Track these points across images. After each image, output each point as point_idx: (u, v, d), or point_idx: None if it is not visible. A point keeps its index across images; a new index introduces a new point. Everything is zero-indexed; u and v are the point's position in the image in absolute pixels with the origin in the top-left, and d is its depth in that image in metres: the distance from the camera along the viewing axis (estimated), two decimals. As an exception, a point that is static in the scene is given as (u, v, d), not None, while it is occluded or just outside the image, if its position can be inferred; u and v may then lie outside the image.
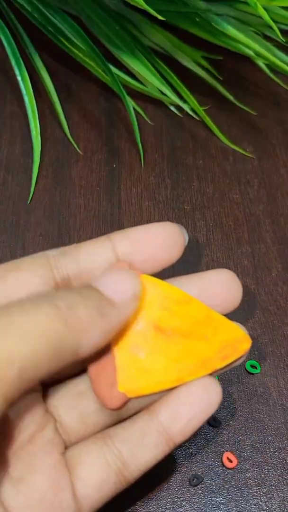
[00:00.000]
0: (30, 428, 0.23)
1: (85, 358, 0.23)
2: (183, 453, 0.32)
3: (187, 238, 0.26)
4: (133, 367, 0.24)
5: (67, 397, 0.25)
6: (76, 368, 0.26)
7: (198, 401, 0.24)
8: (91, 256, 0.25)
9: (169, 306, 0.25)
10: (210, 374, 0.25)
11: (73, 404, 0.25)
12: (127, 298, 0.23)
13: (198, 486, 0.31)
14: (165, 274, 0.27)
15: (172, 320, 0.25)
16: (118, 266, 0.25)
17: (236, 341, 0.26)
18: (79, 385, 0.26)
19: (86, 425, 0.25)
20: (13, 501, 0.22)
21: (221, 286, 0.26)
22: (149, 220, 0.41)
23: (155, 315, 0.25)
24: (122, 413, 0.25)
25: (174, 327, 0.25)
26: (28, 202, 0.41)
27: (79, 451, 0.24)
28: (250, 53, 0.44)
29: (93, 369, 0.25)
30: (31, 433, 0.23)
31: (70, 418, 0.25)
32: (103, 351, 0.24)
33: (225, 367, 0.25)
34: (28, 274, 0.24)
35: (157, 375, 0.25)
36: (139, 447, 0.24)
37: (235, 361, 0.26)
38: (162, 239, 0.25)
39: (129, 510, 0.30)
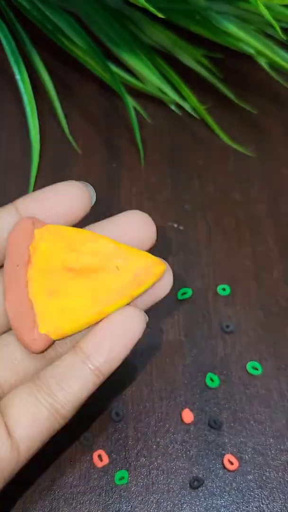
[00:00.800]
0: None
1: None
2: (184, 455, 0.31)
3: (93, 195, 0.28)
4: (52, 310, 0.26)
5: None
6: None
7: (120, 329, 0.26)
8: None
9: (76, 247, 0.27)
10: (134, 305, 0.27)
11: (0, 355, 0.26)
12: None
13: (199, 488, 0.31)
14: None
15: (81, 259, 0.26)
16: (21, 221, 0.27)
17: (149, 266, 0.27)
18: (5, 339, 0.27)
19: (16, 372, 0.26)
20: None
21: (132, 226, 0.28)
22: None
23: (64, 258, 0.26)
24: (53, 359, 0.26)
25: (83, 265, 0.26)
26: (27, 201, 0.41)
27: (9, 396, 0.25)
28: (251, 51, 0.44)
29: (12, 316, 0.26)
30: None
31: (0, 368, 0.26)
32: (19, 298, 0.26)
33: (143, 293, 0.27)
34: None
35: (77, 313, 0.26)
36: (66, 379, 0.25)
37: (152, 285, 0.27)
38: (66, 197, 0.27)
39: (129, 513, 0.30)
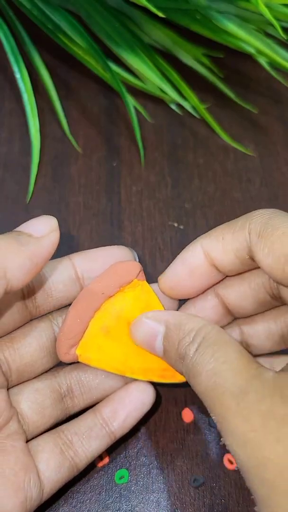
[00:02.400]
0: None
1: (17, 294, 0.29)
2: (184, 455, 0.31)
3: (137, 258, 0.31)
4: (95, 342, 0.30)
5: (27, 393, 0.30)
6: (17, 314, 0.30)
7: (135, 401, 0.30)
8: (55, 273, 0.30)
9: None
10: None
11: (33, 399, 0.29)
12: (44, 231, 0.27)
13: (199, 487, 0.31)
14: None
15: None
16: (133, 263, 0.31)
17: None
18: (36, 383, 0.30)
19: (43, 416, 0.29)
20: None
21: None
22: (149, 219, 0.40)
23: (134, 316, 0.29)
24: (70, 409, 0.30)
25: None
26: (27, 200, 0.41)
27: (38, 442, 0.29)
28: (251, 50, 0.44)
29: (67, 324, 0.29)
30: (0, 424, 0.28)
31: (31, 410, 0.29)
32: (83, 315, 0.29)
33: (160, 383, 0.30)
34: None
35: (108, 358, 0.30)
36: (86, 438, 0.29)
37: (168, 383, 0.30)
38: (115, 259, 0.30)
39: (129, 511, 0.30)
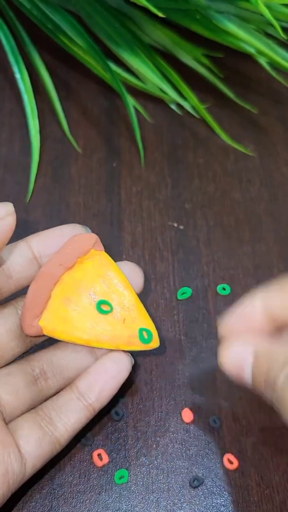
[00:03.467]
0: None
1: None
2: (184, 455, 0.32)
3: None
4: (58, 313, 0.30)
5: (0, 377, 0.30)
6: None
7: (109, 372, 0.30)
8: (12, 256, 0.31)
9: (108, 284, 0.31)
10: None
11: (5, 381, 0.30)
12: (1, 215, 0.28)
13: (199, 487, 0.31)
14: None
15: (105, 296, 0.31)
16: (88, 235, 0.32)
17: (145, 337, 0.31)
18: (8, 368, 0.31)
19: (17, 397, 0.30)
20: None
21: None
22: (149, 219, 0.41)
23: (94, 284, 0.31)
24: (45, 390, 0.31)
25: (102, 300, 0.31)
26: (27, 201, 0.41)
27: (17, 421, 0.29)
28: (251, 50, 0.44)
29: (29, 298, 0.30)
30: None
31: (4, 392, 0.30)
32: (44, 287, 0.30)
33: (128, 350, 0.31)
34: None
35: (72, 329, 0.30)
36: (64, 412, 0.30)
37: (138, 350, 0.31)
38: (69, 236, 0.31)
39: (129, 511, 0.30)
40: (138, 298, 0.32)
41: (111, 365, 0.31)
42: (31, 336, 0.31)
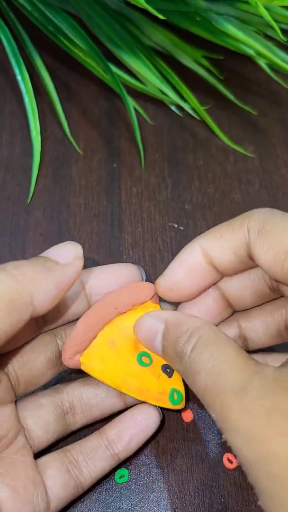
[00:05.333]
0: (8, 435, 0.28)
1: (46, 319, 0.30)
2: (184, 455, 0.32)
3: (144, 276, 0.32)
4: (100, 353, 0.30)
5: (32, 408, 0.30)
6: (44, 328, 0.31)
7: (139, 424, 0.30)
8: None
9: None
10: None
11: (38, 414, 0.30)
12: (69, 258, 0.28)
13: (199, 487, 0.31)
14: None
15: (143, 351, 0.30)
16: (149, 285, 0.31)
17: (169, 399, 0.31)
18: (40, 399, 0.30)
19: (47, 432, 0.30)
20: (1, 493, 0.27)
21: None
22: (149, 220, 0.41)
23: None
24: (71, 425, 0.31)
25: (146, 354, 0.30)
26: (28, 202, 0.41)
27: (46, 459, 0.29)
28: (251, 52, 0.44)
29: (77, 330, 0.30)
30: (9, 439, 0.28)
31: (36, 426, 0.29)
32: (93, 325, 0.30)
33: (155, 405, 0.31)
34: None
35: (108, 371, 0.30)
36: (91, 459, 0.30)
37: (164, 407, 0.31)
38: (123, 278, 0.31)
39: (130, 511, 0.30)
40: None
41: (141, 418, 0.31)
42: (67, 366, 0.31)
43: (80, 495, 0.30)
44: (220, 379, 0.24)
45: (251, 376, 0.24)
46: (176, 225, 0.41)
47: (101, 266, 0.32)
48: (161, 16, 0.38)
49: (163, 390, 0.30)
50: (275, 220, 0.27)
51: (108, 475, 0.31)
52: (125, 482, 0.31)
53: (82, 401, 0.31)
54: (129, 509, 0.30)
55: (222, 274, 0.30)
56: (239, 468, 0.31)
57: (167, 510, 0.30)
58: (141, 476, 0.31)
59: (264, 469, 0.22)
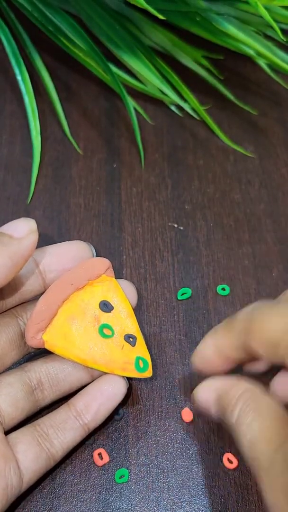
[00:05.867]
0: None
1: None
2: (184, 454, 0.32)
3: (94, 252, 0.33)
4: (61, 330, 0.31)
5: (1, 387, 0.30)
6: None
7: (106, 393, 0.31)
8: None
9: (114, 312, 0.32)
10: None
11: (6, 392, 0.30)
12: (23, 232, 0.29)
13: (199, 487, 0.31)
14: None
15: (108, 321, 0.32)
16: (101, 260, 0.32)
17: (140, 367, 0.32)
18: (8, 378, 0.31)
19: (16, 408, 0.30)
20: None
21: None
22: (149, 220, 0.41)
23: (100, 309, 0.32)
24: (40, 401, 0.31)
25: (107, 326, 0.31)
26: (28, 202, 0.41)
27: (16, 435, 0.30)
28: (251, 52, 0.44)
29: (37, 310, 0.31)
30: None
31: (6, 403, 0.30)
32: (52, 303, 0.31)
33: (122, 376, 0.31)
34: None
35: (72, 347, 0.31)
36: (61, 430, 0.31)
37: (133, 378, 0.32)
38: (74, 253, 0.32)
39: (130, 511, 0.30)
40: (138, 327, 0.32)
41: (107, 387, 0.31)
42: (32, 348, 0.32)
43: (80, 495, 0.30)
44: (254, 454, 0.25)
45: (277, 450, 0.24)
46: (176, 225, 0.41)
47: (53, 244, 0.33)
48: (161, 16, 0.38)
49: (128, 360, 0.31)
50: (258, 317, 0.28)
51: (108, 475, 0.31)
52: (125, 482, 0.31)
53: (49, 376, 0.32)
54: (129, 509, 0.30)
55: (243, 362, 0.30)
56: (239, 468, 0.31)
57: (167, 510, 0.30)
58: (141, 476, 0.31)
59: None
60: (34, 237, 0.29)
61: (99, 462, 0.31)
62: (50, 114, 0.46)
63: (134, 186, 0.42)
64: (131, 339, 0.32)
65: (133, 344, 0.32)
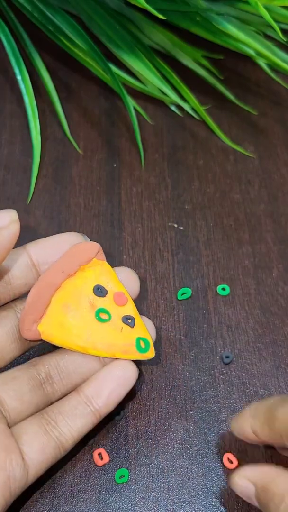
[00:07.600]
0: None
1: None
2: (184, 454, 0.32)
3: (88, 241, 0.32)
4: (57, 319, 0.30)
5: (4, 381, 0.30)
6: None
7: (117, 379, 0.30)
8: (11, 262, 0.31)
9: (110, 296, 0.31)
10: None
11: (10, 386, 0.30)
12: (5, 222, 0.28)
13: (199, 487, 0.31)
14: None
15: (105, 306, 0.31)
16: (91, 244, 0.31)
17: (141, 347, 0.31)
18: (14, 372, 0.30)
19: (22, 402, 0.30)
20: None
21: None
22: (149, 220, 0.41)
23: (94, 293, 0.31)
24: (50, 395, 0.31)
25: (103, 310, 0.31)
26: (28, 201, 0.41)
27: (21, 425, 0.29)
28: (251, 52, 0.44)
29: (29, 302, 0.30)
30: None
31: (9, 397, 0.29)
32: (44, 292, 0.30)
33: (124, 359, 0.31)
34: None
35: (70, 335, 0.30)
36: (71, 417, 0.30)
37: (134, 360, 0.31)
38: (67, 244, 0.31)
39: (130, 511, 0.30)
40: (135, 308, 0.32)
41: (119, 372, 0.31)
42: (29, 340, 0.31)
43: (80, 495, 0.30)
44: None
45: None
46: (176, 225, 0.41)
47: (46, 237, 0.32)
48: (161, 16, 0.38)
49: (129, 341, 0.31)
50: (267, 410, 0.28)
51: (108, 475, 0.31)
52: (125, 482, 0.31)
53: (59, 368, 0.31)
54: (129, 509, 0.30)
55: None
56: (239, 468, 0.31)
57: (167, 510, 0.30)
58: (141, 476, 0.31)
59: None
60: (15, 227, 0.29)
61: (99, 462, 0.31)
62: (50, 114, 0.46)
63: (134, 186, 0.42)
64: (129, 321, 0.31)
65: (132, 325, 0.31)
